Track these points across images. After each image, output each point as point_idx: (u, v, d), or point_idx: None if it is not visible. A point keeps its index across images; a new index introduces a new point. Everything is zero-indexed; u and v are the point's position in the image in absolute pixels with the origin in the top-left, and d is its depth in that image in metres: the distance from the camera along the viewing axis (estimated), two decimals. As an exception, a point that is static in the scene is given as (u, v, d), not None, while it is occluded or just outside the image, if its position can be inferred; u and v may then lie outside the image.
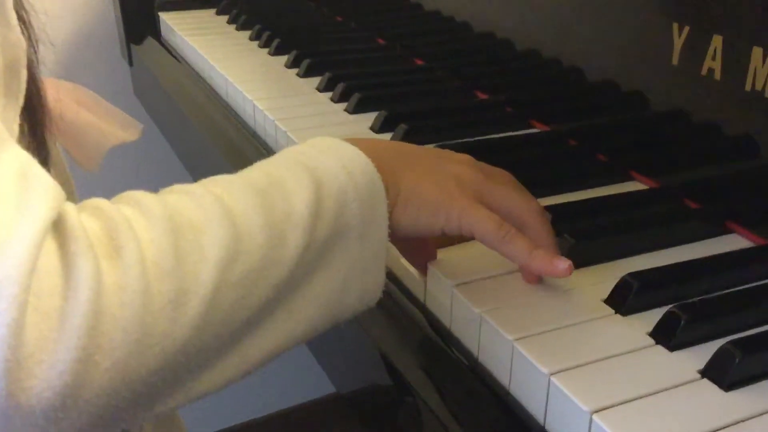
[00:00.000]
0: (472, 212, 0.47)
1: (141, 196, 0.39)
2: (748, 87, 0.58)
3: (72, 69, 1.34)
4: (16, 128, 0.40)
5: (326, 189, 0.43)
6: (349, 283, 0.44)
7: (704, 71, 0.61)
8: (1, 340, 0.31)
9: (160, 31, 1.22)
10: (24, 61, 0.41)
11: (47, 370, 0.32)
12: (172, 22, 1.17)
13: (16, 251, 0.31)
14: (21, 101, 0.41)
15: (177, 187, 0.41)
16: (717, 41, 0.60)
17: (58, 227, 0.34)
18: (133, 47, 1.23)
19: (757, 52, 0.57)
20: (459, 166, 0.50)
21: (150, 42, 1.21)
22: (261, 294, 0.39)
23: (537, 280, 0.51)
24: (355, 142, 0.47)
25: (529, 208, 0.49)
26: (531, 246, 0.47)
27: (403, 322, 0.56)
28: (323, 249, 0.42)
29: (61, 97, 0.56)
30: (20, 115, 0.41)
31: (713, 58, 0.60)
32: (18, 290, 0.31)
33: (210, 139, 0.90)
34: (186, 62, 1.09)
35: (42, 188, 0.34)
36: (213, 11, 1.25)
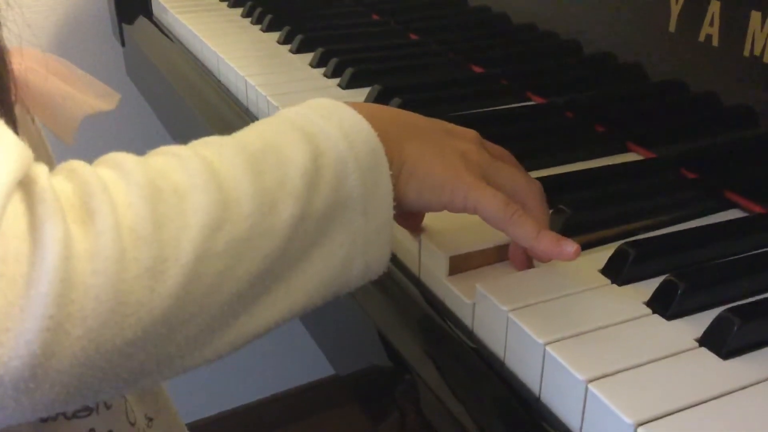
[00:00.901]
0: (478, 191, 0.45)
1: (123, 158, 0.37)
2: (746, 52, 0.57)
3: (64, 51, 1.33)
4: None
5: (325, 158, 0.40)
6: (352, 259, 0.42)
7: (702, 37, 0.60)
8: None
9: (152, 11, 1.20)
10: None
11: (14, 339, 0.31)
12: (163, 0, 1.15)
13: None
14: None
15: (164, 148, 0.39)
16: (714, 6, 0.58)
17: (26, 190, 0.32)
18: (125, 27, 1.21)
19: (755, 16, 0.55)
20: (465, 143, 0.48)
21: (142, 22, 1.19)
22: (250, 265, 0.37)
23: (525, 265, 0.50)
24: (356, 106, 0.44)
25: (531, 189, 0.48)
26: (538, 227, 0.46)
27: (398, 296, 0.55)
28: (322, 222, 0.40)
29: (27, 63, 0.53)
30: None
31: (711, 24, 0.59)
32: None
33: (203, 118, 0.89)
34: (178, 41, 1.08)
35: (6, 148, 0.32)
36: (205, -11, 1.23)
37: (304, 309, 0.41)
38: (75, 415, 0.49)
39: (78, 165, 0.36)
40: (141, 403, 0.57)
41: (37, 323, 0.31)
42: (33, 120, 0.52)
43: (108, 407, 0.51)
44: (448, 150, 0.47)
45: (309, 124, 0.42)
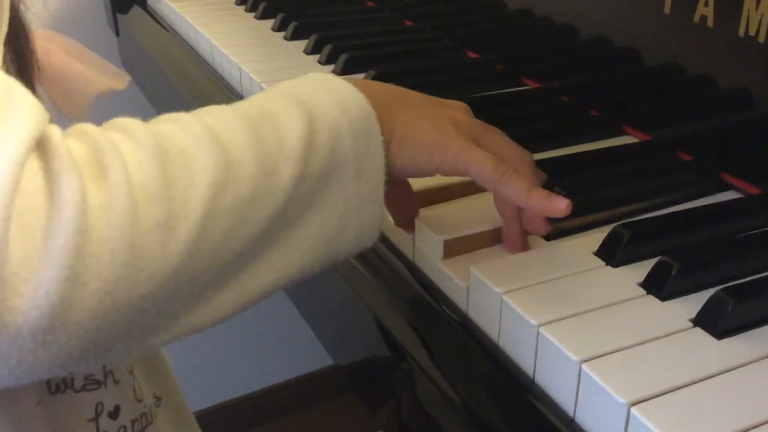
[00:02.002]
0: (469, 151, 0.46)
1: (129, 121, 0.38)
2: (741, 32, 0.56)
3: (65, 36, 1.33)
4: None
5: (320, 123, 0.42)
6: (346, 221, 0.43)
7: (697, 18, 0.60)
8: None
9: (145, 0, 1.20)
10: None
11: (33, 289, 0.31)
12: (157, -11, 1.15)
13: None
14: (4, 29, 0.41)
15: (167, 115, 0.40)
16: (709, -14, 0.58)
17: (42, 147, 0.33)
18: (120, 17, 1.21)
19: (750, -4, 0.55)
20: (455, 111, 0.49)
21: (136, 11, 1.19)
22: (254, 225, 0.38)
23: (520, 247, 0.50)
24: (350, 80, 0.46)
25: (522, 156, 0.49)
26: (529, 185, 0.46)
27: (392, 281, 0.55)
28: (318, 185, 0.41)
29: (50, 46, 0.55)
30: (6, 46, 0.40)
31: (705, 5, 0.59)
32: (0, 207, 0.31)
33: (197, 105, 0.87)
34: (173, 30, 1.08)
35: (25, 106, 0.33)
36: (199, -22, 1.23)
37: (301, 271, 0.42)
38: (83, 388, 0.49)
39: (88, 127, 0.37)
40: (149, 382, 0.57)
41: (56, 273, 0.32)
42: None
43: (116, 381, 0.51)
44: (439, 116, 0.48)
45: (303, 93, 0.43)
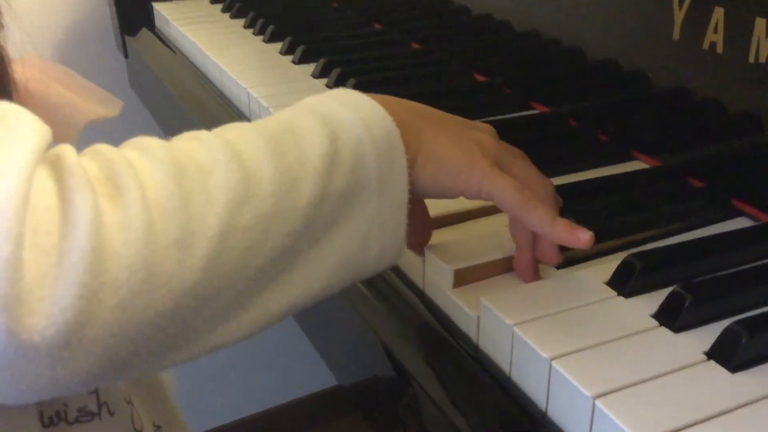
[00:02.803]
0: (494, 176, 0.46)
1: (147, 140, 0.38)
2: (751, 59, 0.56)
3: (68, 62, 1.33)
4: None
5: (342, 140, 0.41)
6: (369, 239, 0.43)
7: (706, 45, 0.60)
8: None
9: (154, 22, 1.21)
10: None
11: (49, 307, 0.31)
12: (166, 12, 1.16)
13: (5, 185, 0.31)
14: None
15: (186, 133, 0.40)
16: (718, 13, 0.58)
17: (55, 165, 0.33)
18: (128, 39, 1.22)
19: (760, 23, 0.55)
20: (481, 133, 0.49)
21: (145, 33, 1.20)
22: (274, 242, 0.38)
23: (532, 276, 0.50)
24: (374, 97, 0.45)
25: (544, 184, 0.48)
26: (554, 214, 0.46)
27: (402, 309, 0.55)
28: (340, 202, 0.41)
29: (28, 71, 0.54)
30: None
31: (715, 31, 0.59)
32: (12, 224, 0.31)
33: (206, 129, 0.88)
34: (181, 52, 1.08)
35: (25, 123, 0.34)
36: (207, 0, 1.24)
37: (323, 290, 0.42)
38: (77, 420, 0.49)
39: (102, 146, 0.37)
40: (149, 411, 0.57)
41: (71, 290, 0.32)
42: None
43: (111, 413, 0.51)
44: (464, 137, 0.47)
45: (326, 109, 0.43)
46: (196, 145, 0.38)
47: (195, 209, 0.35)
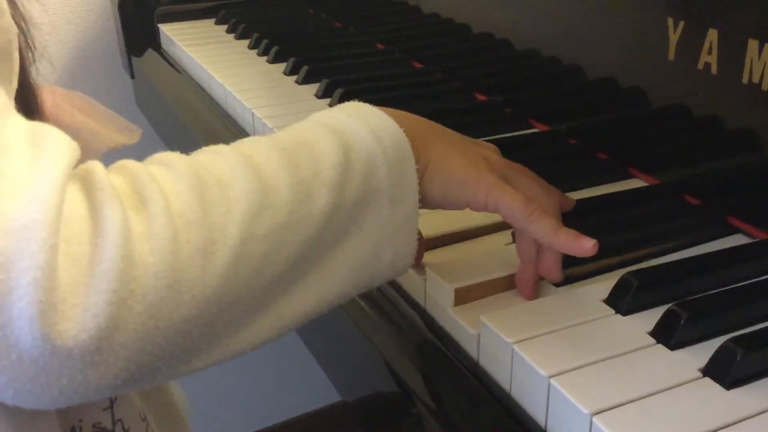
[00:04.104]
0: (500, 189, 0.47)
1: (169, 155, 0.40)
2: (745, 80, 0.57)
3: (75, 83, 1.35)
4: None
5: (354, 152, 0.43)
6: (381, 248, 0.44)
7: (700, 65, 0.61)
8: (34, 282, 0.32)
9: (160, 43, 1.22)
10: (15, 45, 0.42)
11: (81, 313, 0.33)
12: (171, 33, 1.17)
13: (40, 196, 0.33)
14: (15, 84, 0.43)
15: (205, 148, 0.42)
16: (712, 35, 0.59)
17: (84, 180, 0.35)
18: (134, 59, 1.23)
19: (752, 44, 0.56)
20: (487, 150, 0.51)
21: (150, 54, 1.21)
22: (290, 250, 0.40)
23: (532, 294, 0.51)
24: (385, 110, 0.47)
25: (549, 197, 0.50)
26: (558, 224, 0.48)
27: (404, 327, 0.55)
28: (353, 212, 0.43)
29: (60, 102, 0.57)
30: (15, 99, 0.42)
31: (709, 52, 0.60)
32: (47, 234, 0.32)
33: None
34: (186, 73, 1.10)
35: (54, 139, 0.36)
36: (212, 21, 1.25)
37: (338, 297, 0.44)
38: None
39: (127, 162, 0.39)
40: (163, 428, 0.58)
41: (102, 298, 0.33)
42: None
43: (126, 430, 0.52)
44: (472, 152, 0.49)
45: (338, 122, 0.45)
46: (216, 158, 0.40)
47: (215, 219, 0.37)
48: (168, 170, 0.39)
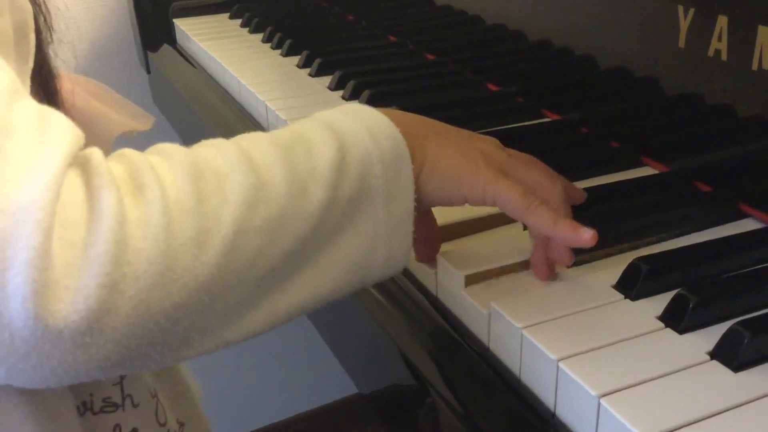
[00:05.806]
0: (496, 182, 0.48)
1: (168, 146, 0.41)
2: (755, 66, 0.57)
3: (93, 78, 1.37)
4: (27, 89, 0.42)
5: (350, 150, 0.44)
6: (375, 246, 0.45)
7: (711, 53, 0.61)
8: (28, 261, 0.33)
9: (175, 38, 1.24)
10: (31, 25, 0.43)
11: (73, 295, 0.34)
12: (186, 28, 1.18)
13: (40, 178, 0.34)
14: (30, 64, 0.43)
15: (204, 141, 0.43)
16: (722, 21, 0.59)
17: (84, 166, 0.36)
18: (150, 55, 1.25)
19: (763, 31, 0.56)
20: (485, 144, 0.51)
21: (166, 49, 1.23)
22: (284, 244, 0.40)
23: (547, 275, 0.51)
24: (382, 110, 0.48)
25: (553, 186, 0.50)
26: (555, 216, 0.48)
27: (416, 315, 0.56)
28: (348, 209, 0.43)
29: (75, 88, 0.58)
30: (32, 84, 0.43)
31: (719, 39, 0.60)
32: (43, 215, 0.33)
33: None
34: (201, 67, 1.11)
35: (60, 125, 0.36)
36: (226, 15, 1.26)
37: (331, 293, 0.44)
38: (102, 410, 0.51)
39: (127, 150, 0.40)
40: (174, 407, 0.59)
41: (95, 280, 0.34)
42: None
43: (135, 405, 0.53)
44: (468, 148, 0.49)
45: (335, 121, 0.45)
46: (213, 151, 0.41)
47: (210, 209, 0.38)
48: (166, 160, 0.39)
